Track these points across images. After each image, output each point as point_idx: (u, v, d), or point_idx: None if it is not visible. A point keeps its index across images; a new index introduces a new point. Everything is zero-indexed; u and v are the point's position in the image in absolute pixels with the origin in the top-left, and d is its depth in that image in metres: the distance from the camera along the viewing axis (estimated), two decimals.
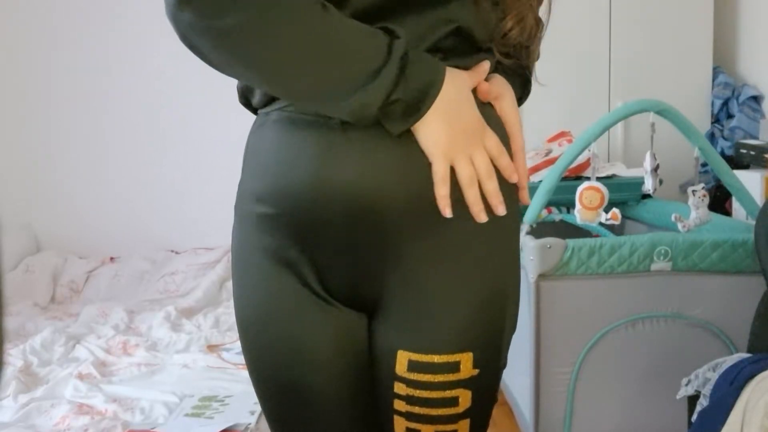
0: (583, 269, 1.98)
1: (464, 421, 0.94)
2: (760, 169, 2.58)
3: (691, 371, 1.78)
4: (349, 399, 0.98)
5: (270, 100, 0.93)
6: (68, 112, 3.51)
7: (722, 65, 3.19)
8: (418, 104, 0.83)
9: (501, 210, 0.88)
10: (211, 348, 2.44)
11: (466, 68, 0.90)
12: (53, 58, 3.48)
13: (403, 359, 0.92)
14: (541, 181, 2.28)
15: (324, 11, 0.80)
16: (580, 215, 2.20)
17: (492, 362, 0.95)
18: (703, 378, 1.73)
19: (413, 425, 0.94)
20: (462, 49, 0.90)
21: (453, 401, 0.92)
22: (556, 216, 2.63)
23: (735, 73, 3.18)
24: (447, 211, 0.85)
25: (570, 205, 2.39)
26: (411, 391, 0.92)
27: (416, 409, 0.93)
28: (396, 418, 0.95)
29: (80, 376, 2.21)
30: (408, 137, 0.86)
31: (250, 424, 1.84)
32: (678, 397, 1.80)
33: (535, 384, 2.04)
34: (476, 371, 0.92)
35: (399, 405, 0.94)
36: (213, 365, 2.29)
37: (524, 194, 0.95)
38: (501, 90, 0.94)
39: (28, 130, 3.52)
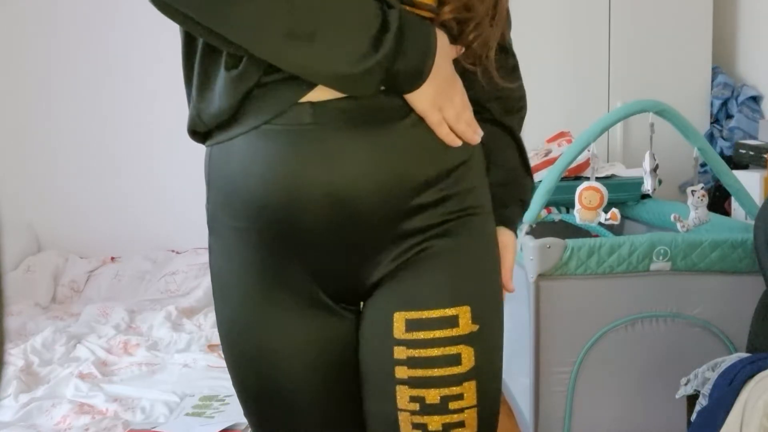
0: (582, 269, 1.98)
1: (470, 383, 0.92)
2: (760, 170, 2.58)
3: (690, 371, 1.78)
4: (333, 407, 0.98)
5: (227, 122, 0.91)
6: (69, 113, 3.51)
7: (721, 65, 3.19)
8: (418, 73, 0.89)
9: (477, 138, 0.97)
10: (212, 347, 2.45)
11: None
12: (54, 59, 3.48)
13: (400, 320, 0.92)
14: (540, 181, 2.29)
15: None
16: (579, 215, 2.20)
17: (492, 318, 0.95)
18: (702, 378, 1.73)
19: (417, 392, 0.91)
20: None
21: (455, 359, 0.91)
22: (556, 216, 2.64)
23: (734, 74, 3.18)
24: (457, 142, 0.94)
25: (569, 205, 2.39)
26: (411, 352, 0.91)
27: (419, 372, 0.91)
28: (399, 387, 0.92)
29: (81, 376, 2.22)
30: (375, 132, 0.89)
31: None
32: (677, 396, 1.81)
33: (535, 384, 2.04)
34: (476, 327, 0.92)
35: (401, 372, 0.92)
36: (213, 365, 2.30)
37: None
38: (507, 242, 1.04)
39: (29, 130, 3.52)
